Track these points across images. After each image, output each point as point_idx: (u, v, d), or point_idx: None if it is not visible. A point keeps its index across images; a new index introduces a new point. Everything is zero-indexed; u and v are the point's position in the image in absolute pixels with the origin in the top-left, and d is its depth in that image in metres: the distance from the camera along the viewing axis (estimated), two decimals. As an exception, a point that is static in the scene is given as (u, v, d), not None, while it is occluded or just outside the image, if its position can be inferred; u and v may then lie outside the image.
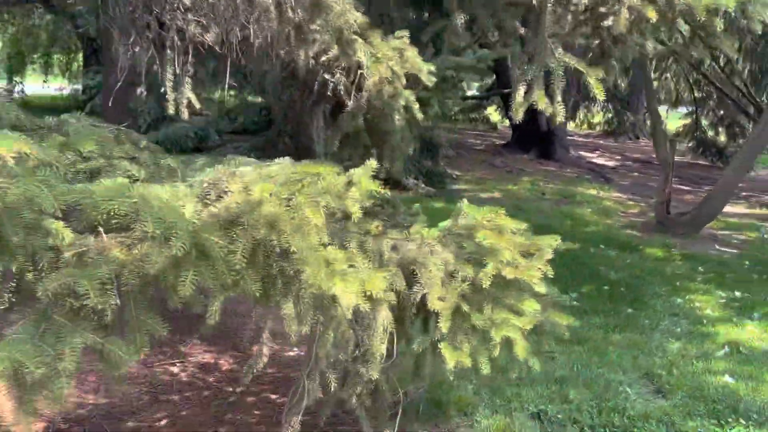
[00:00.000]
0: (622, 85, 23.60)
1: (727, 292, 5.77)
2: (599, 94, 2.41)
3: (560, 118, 2.47)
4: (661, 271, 6.41)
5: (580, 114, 25.25)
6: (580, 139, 21.15)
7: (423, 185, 9.49)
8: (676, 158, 17.72)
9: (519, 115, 2.62)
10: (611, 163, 15.32)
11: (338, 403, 2.39)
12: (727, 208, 10.69)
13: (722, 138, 17.00)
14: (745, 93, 14.97)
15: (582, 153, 16.29)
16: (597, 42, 2.99)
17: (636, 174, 13.77)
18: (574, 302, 5.14)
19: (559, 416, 3.11)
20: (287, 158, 2.05)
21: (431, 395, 3.16)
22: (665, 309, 5.12)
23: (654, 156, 17.88)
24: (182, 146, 10.38)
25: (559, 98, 2.45)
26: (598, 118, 24.61)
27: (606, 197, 10.74)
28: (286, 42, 2.63)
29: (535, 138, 14.62)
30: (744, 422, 3.15)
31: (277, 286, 1.70)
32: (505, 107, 16.32)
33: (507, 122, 16.41)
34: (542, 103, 2.51)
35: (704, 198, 8.83)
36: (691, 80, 15.88)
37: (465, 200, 2.32)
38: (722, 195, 8.54)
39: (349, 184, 1.82)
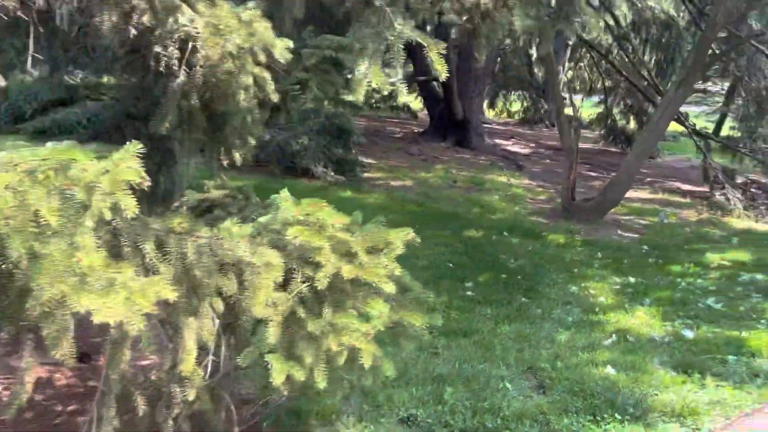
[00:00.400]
0: (539, 74, 24.09)
1: (623, 277, 5.79)
2: (441, 70, 2.18)
3: (403, 98, 2.23)
4: (561, 258, 6.38)
5: (500, 102, 25.65)
6: (499, 127, 21.39)
7: (333, 174, 9.18)
8: (588, 146, 18.21)
9: (359, 94, 2.35)
10: (525, 151, 15.50)
11: (151, 426, 2.06)
12: (632, 194, 10.97)
13: (632, 126, 17.55)
14: (651, 83, 15.47)
15: (498, 141, 16.41)
16: (466, 18, 2.76)
17: (548, 161, 13.97)
18: (469, 292, 4.99)
19: (429, 420, 2.90)
20: (68, 141, 1.69)
21: (294, 404, 2.88)
22: (559, 297, 5.05)
23: (568, 143, 18.28)
24: (72, 133, 9.60)
25: (400, 74, 2.20)
26: (516, 107, 25.01)
27: (516, 184, 10.77)
28: (99, 7, 2.25)
29: (451, 126, 14.58)
30: (620, 417, 3.05)
31: (17, 305, 1.36)
32: (423, 94, 16.20)
33: (427, 110, 16.29)
34: (377, 80, 2.25)
35: (608, 184, 8.96)
36: (601, 70, 16.25)
37: (285, 189, 2.03)
38: (625, 181, 8.68)
39: (107, 172, 1.50)
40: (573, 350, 3.90)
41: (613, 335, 4.22)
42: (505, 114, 25.64)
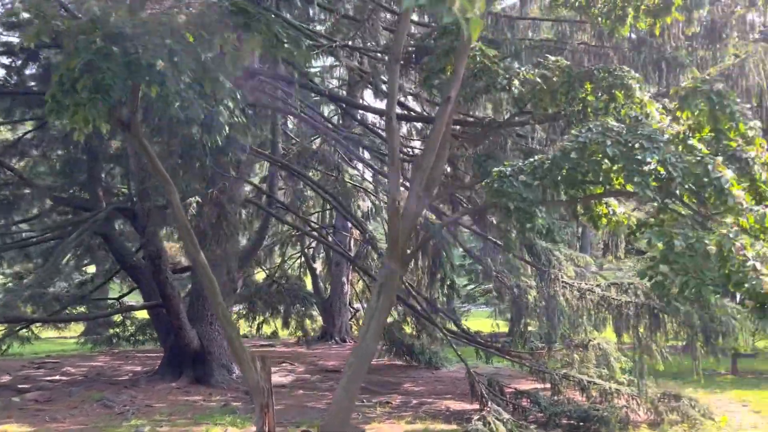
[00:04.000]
0: (326, 287, 22.61)
1: None
2: None
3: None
4: None
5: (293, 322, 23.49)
6: (282, 349, 18.97)
7: None
8: (373, 362, 16.17)
9: None
10: (287, 379, 12.91)
11: None
12: (384, 427, 8.66)
13: (409, 331, 16.09)
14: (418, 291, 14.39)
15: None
16: None
17: (303, 391, 11.42)
18: None
19: None
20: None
21: None
22: None
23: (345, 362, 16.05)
24: None
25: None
26: (315, 324, 23.09)
27: (229, 438, 7.96)
28: None
29: (188, 359, 11.78)
30: None
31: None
32: (154, 323, 13.40)
33: (160, 342, 13.40)
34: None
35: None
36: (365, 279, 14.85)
37: None
38: (339, 422, 6.30)
39: None
40: None
41: None
42: (299, 332, 23.42)
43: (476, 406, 9.61)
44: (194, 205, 8.81)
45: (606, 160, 4.46)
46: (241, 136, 10.30)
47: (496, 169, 5.73)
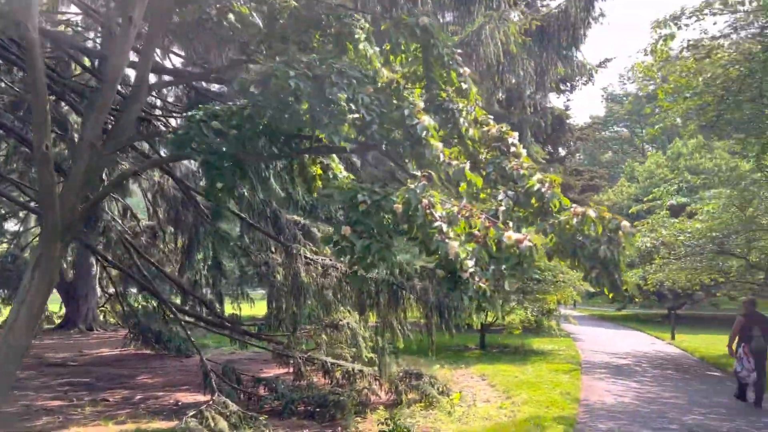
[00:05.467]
0: (70, 272, 19.56)
1: None
2: None
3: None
4: None
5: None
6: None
7: None
8: (116, 351, 14.20)
9: None
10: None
11: None
12: (83, 430, 7.14)
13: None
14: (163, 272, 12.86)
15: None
16: None
17: None
18: None
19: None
20: None
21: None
22: None
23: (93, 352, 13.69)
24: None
25: None
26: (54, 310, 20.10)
27: None
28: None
29: None
30: None
31: None
32: None
33: None
34: None
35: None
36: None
37: None
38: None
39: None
40: None
41: None
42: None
43: (209, 398, 8.51)
44: None
45: (293, 100, 3.59)
46: None
47: (187, 113, 4.63)
